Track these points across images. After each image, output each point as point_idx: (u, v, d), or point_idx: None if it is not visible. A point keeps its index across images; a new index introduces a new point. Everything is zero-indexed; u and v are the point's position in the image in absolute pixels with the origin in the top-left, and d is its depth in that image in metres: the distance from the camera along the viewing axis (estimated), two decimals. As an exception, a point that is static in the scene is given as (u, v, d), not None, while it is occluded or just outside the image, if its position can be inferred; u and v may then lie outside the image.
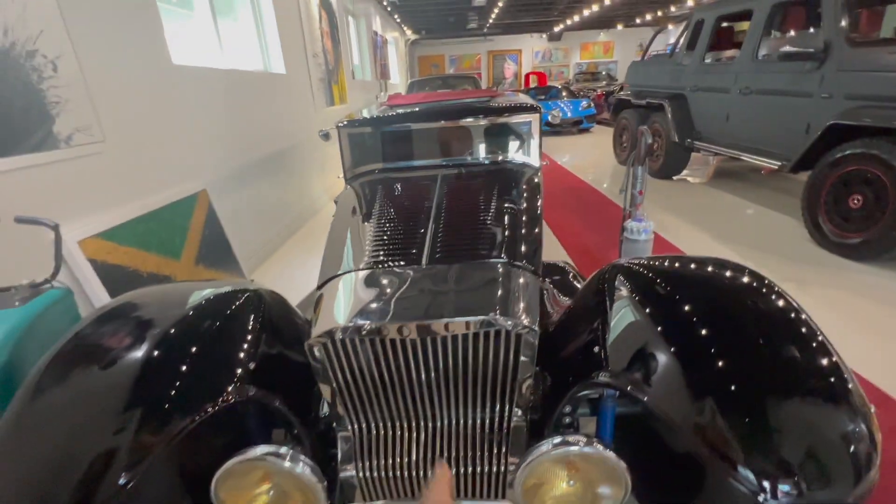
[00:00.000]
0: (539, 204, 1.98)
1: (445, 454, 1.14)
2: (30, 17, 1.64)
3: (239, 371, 1.03)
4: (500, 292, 1.14)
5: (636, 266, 1.18)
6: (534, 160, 2.64)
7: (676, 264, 1.16)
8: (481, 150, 2.74)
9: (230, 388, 0.99)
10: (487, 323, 1.04)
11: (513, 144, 2.77)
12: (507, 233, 1.50)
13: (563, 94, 10.99)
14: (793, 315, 0.96)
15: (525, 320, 1.06)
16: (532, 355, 1.09)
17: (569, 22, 15.03)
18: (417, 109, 2.66)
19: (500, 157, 2.70)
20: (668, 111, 5.07)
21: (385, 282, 1.21)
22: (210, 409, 0.94)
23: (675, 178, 5.49)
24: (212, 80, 2.98)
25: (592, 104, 9.94)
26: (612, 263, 1.26)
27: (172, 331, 1.03)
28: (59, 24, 1.76)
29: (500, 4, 10.63)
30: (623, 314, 1.09)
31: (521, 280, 1.23)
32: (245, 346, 1.09)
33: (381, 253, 1.41)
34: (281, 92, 4.21)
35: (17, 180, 1.61)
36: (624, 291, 1.13)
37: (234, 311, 1.15)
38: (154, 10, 2.42)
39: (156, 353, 0.98)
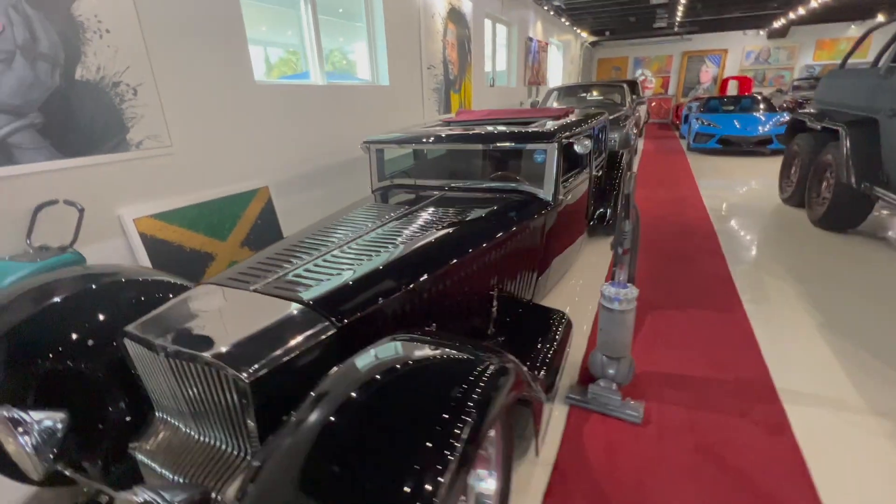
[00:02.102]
0: (493, 251, 1.89)
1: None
2: (119, 58, 2.32)
3: None
4: (248, 334, 1.18)
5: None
6: (545, 193, 2.41)
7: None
8: (490, 176, 2.62)
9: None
10: (206, 362, 1.11)
11: (525, 174, 2.57)
12: (354, 277, 1.47)
13: (761, 105, 9.00)
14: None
15: (244, 370, 1.07)
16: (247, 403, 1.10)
17: (793, 15, 12.01)
18: (439, 131, 2.68)
19: (511, 186, 2.54)
20: (844, 140, 3.74)
21: (193, 305, 1.36)
22: None
23: (849, 231, 4.03)
24: (293, 95, 3.55)
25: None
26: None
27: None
28: (144, 61, 2.42)
29: (684, 1, 9.22)
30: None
31: (291, 328, 1.22)
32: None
33: (247, 268, 1.57)
34: (381, 102, 4.66)
35: (96, 173, 2.31)
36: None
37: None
38: (242, 39, 3.03)
39: None
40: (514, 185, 2.55)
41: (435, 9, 5.43)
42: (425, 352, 1.06)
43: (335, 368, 1.06)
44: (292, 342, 1.18)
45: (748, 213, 4.69)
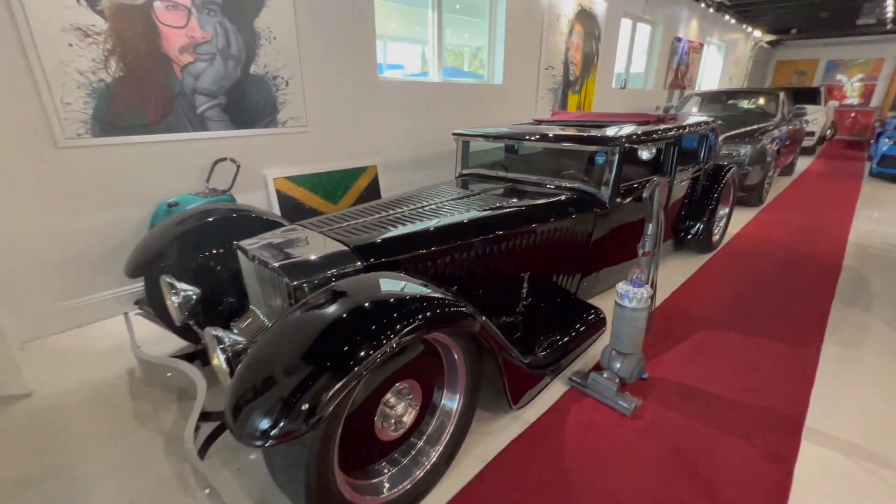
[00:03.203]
0: (534, 232, 2.21)
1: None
2: (279, 58, 3.12)
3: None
4: (305, 259, 1.68)
5: None
6: (603, 193, 2.56)
7: None
8: (557, 174, 2.80)
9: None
10: (273, 269, 1.65)
11: (590, 175, 2.71)
12: (394, 233, 1.89)
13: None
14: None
15: (293, 279, 1.57)
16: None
17: None
18: (519, 129, 2.94)
19: (574, 185, 2.71)
20: None
21: (284, 236, 1.94)
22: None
23: None
24: (410, 89, 4.13)
25: None
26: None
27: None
28: (295, 60, 3.20)
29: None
30: None
31: (333, 261, 1.68)
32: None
33: (331, 217, 2.12)
34: (492, 100, 5.03)
35: (254, 141, 3.17)
36: None
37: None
38: (371, 44, 3.69)
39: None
40: (577, 184, 2.71)
41: (561, 10, 5.54)
42: (395, 283, 1.40)
43: (332, 284, 1.47)
44: (329, 271, 1.65)
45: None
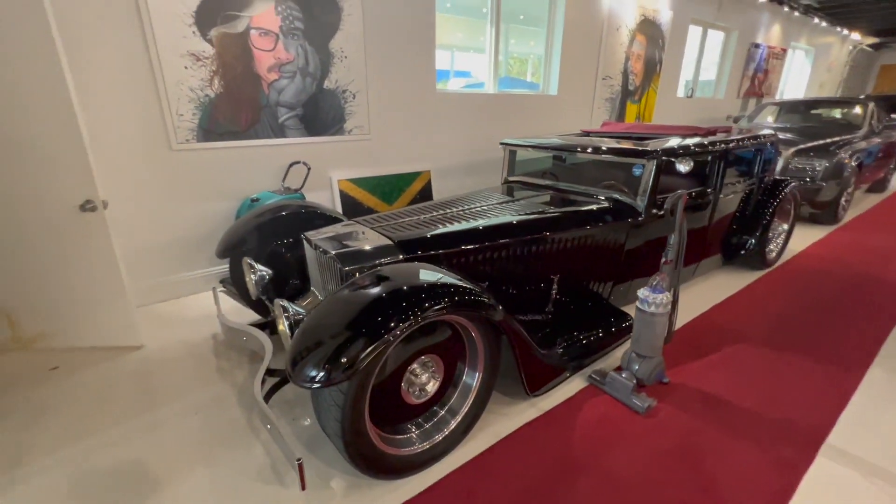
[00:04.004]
0: (558, 239, 2.42)
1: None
2: (349, 74, 3.53)
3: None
4: (357, 249, 1.99)
5: None
6: (638, 203, 2.67)
7: None
8: (599, 183, 2.91)
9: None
10: (330, 256, 1.97)
11: (629, 186, 2.81)
12: (436, 231, 2.16)
13: None
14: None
15: (346, 265, 1.90)
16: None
17: None
18: (563, 140, 3.11)
19: (613, 195, 2.83)
20: None
21: (342, 230, 2.28)
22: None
23: None
24: (465, 101, 4.40)
25: None
26: None
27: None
28: (362, 76, 3.60)
29: None
30: None
31: (380, 251, 1.98)
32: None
33: (383, 215, 2.44)
34: (547, 110, 5.17)
35: (323, 147, 3.60)
36: None
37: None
38: (431, 58, 4.01)
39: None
40: (615, 194, 2.82)
41: (621, 21, 5.56)
42: (427, 273, 1.65)
43: (373, 270, 1.75)
44: (376, 260, 1.96)
45: None
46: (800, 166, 4.95)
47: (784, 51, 9.26)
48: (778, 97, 9.94)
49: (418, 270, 1.67)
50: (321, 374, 1.31)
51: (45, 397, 2.15)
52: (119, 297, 2.46)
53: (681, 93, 7.26)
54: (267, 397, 1.91)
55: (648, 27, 5.98)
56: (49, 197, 2.22)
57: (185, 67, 2.84)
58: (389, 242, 2.03)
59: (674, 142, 2.84)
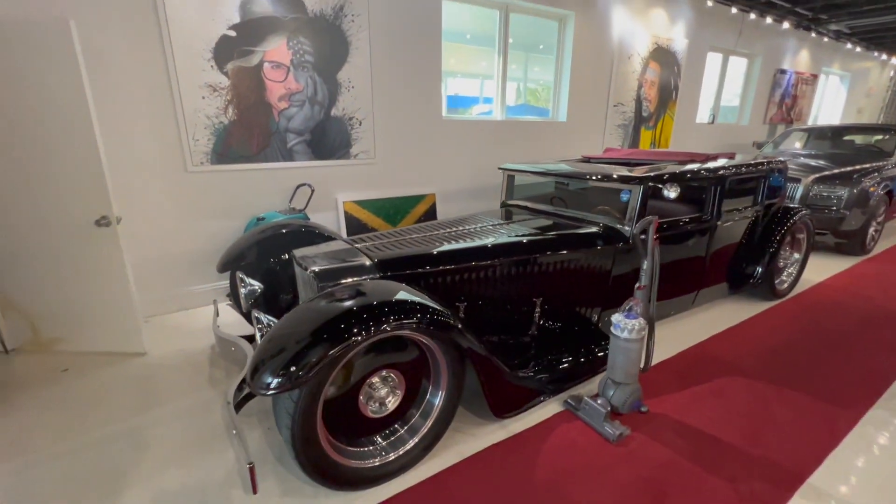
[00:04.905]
0: (537, 261, 2.42)
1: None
2: (356, 102, 3.73)
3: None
4: (338, 266, 2.09)
5: None
6: (625, 229, 2.68)
7: None
8: (585, 209, 2.94)
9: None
10: (312, 272, 2.08)
11: (620, 211, 2.82)
12: (417, 252, 2.23)
13: None
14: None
15: (325, 284, 1.99)
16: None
17: None
18: (559, 166, 3.16)
19: (601, 220, 2.85)
20: None
21: (329, 247, 2.40)
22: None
23: None
24: (472, 127, 4.54)
25: None
26: None
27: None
28: (369, 104, 3.80)
29: None
30: None
31: (360, 269, 2.07)
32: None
33: (372, 234, 2.55)
34: (555, 136, 5.24)
35: (330, 170, 3.79)
36: None
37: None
38: (437, 87, 4.19)
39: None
40: (604, 219, 2.82)
41: (633, 49, 5.61)
42: (393, 290, 1.73)
43: (337, 286, 1.84)
44: (352, 277, 2.05)
45: None
46: (822, 194, 4.77)
47: (815, 76, 9.01)
48: (810, 122, 9.61)
49: (387, 288, 1.74)
50: (275, 380, 1.39)
51: (51, 396, 2.33)
52: (126, 306, 2.66)
53: (702, 118, 7.17)
54: (243, 404, 2.00)
55: (662, 55, 6.00)
56: (69, 212, 2.46)
57: (203, 97, 3.11)
58: (369, 261, 2.12)
59: (665, 168, 2.84)
